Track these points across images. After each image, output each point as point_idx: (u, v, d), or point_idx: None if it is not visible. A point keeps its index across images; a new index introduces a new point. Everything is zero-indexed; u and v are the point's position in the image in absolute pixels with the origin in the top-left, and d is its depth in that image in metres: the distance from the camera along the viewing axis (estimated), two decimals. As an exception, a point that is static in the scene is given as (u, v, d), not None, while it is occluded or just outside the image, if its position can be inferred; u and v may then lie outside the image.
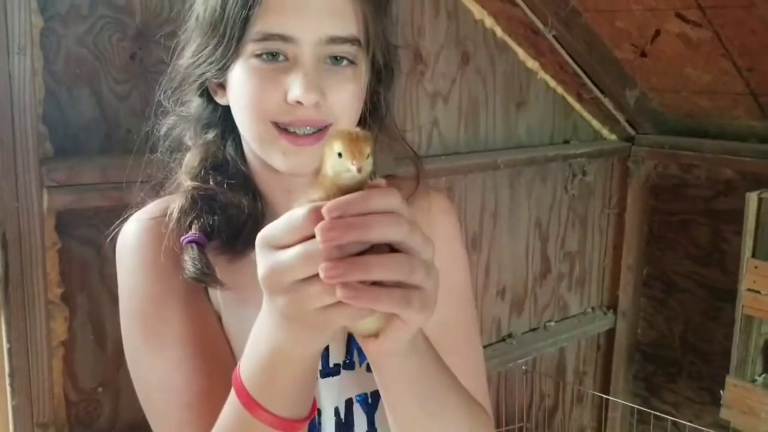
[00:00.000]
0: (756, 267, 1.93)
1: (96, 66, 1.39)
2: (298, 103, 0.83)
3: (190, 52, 0.92)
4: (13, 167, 1.25)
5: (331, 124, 0.86)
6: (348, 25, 0.85)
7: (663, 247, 2.49)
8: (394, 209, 0.56)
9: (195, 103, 0.98)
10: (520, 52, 2.19)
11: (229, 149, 0.97)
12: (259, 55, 0.84)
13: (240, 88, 0.87)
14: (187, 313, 0.90)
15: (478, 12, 2.05)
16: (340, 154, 0.55)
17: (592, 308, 2.62)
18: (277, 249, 0.58)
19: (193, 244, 0.89)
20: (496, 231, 2.23)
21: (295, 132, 0.85)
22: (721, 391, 2.03)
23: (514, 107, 2.23)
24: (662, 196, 2.47)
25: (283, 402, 0.68)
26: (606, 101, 2.33)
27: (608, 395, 2.56)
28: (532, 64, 2.22)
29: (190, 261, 0.87)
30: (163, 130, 1.00)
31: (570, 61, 2.16)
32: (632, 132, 2.48)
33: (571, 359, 2.59)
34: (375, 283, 0.56)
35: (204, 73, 0.90)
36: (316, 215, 0.55)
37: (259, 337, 0.67)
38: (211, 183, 0.94)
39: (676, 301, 2.47)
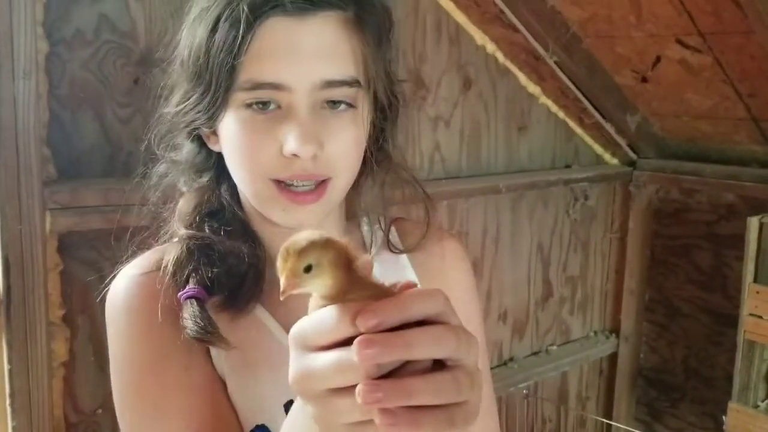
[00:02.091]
0: (758, 292, 1.92)
1: (100, 90, 1.41)
2: (295, 155, 0.77)
3: (177, 99, 0.85)
4: (16, 190, 1.26)
5: (331, 178, 0.81)
6: (345, 66, 0.79)
7: (665, 272, 2.49)
8: (438, 315, 0.51)
9: (186, 149, 0.91)
10: (522, 77, 2.20)
11: (225, 194, 0.90)
12: (249, 105, 0.78)
13: (232, 141, 0.81)
14: (189, 380, 0.81)
15: (479, 38, 2.07)
16: (307, 269, 0.51)
17: (595, 332, 2.61)
18: (309, 350, 0.52)
19: (193, 300, 0.81)
20: (497, 255, 2.23)
21: (295, 188, 0.80)
22: (724, 417, 2.01)
23: (516, 132, 2.24)
24: (664, 220, 2.47)
25: None
26: (607, 126, 2.34)
27: (611, 420, 2.54)
28: (533, 89, 2.24)
29: (190, 319, 0.79)
30: (155, 178, 0.93)
31: (571, 86, 2.18)
32: (634, 156, 2.49)
33: (573, 384, 2.58)
34: None
35: (193, 121, 0.83)
36: (349, 317, 0.49)
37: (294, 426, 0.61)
38: (207, 230, 0.86)
39: (679, 326, 2.46)
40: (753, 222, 1.94)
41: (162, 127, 0.89)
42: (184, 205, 0.90)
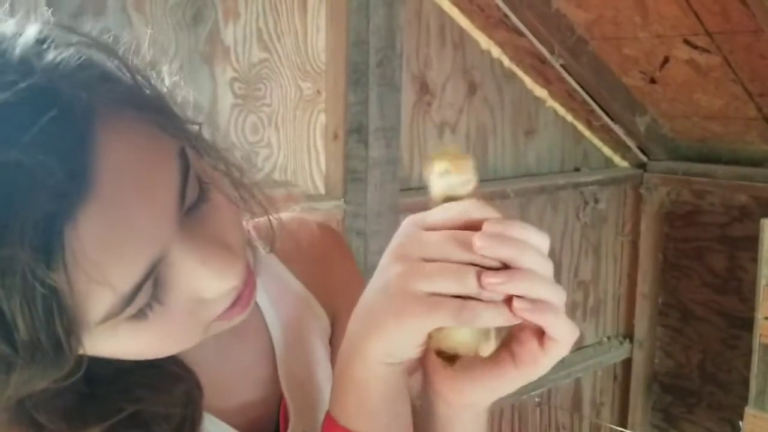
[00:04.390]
0: (773, 294, 1.89)
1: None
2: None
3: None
4: None
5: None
6: (175, 163, 0.51)
7: (678, 275, 2.46)
8: (543, 248, 0.52)
9: None
10: (528, 81, 2.18)
11: None
12: (133, 317, 0.50)
13: (128, 352, 0.55)
14: None
15: (484, 42, 2.05)
16: (447, 171, 0.53)
17: (608, 338, 2.58)
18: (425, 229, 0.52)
19: None
20: (507, 261, 2.20)
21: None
22: (740, 422, 1.98)
23: (523, 136, 2.22)
24: (676, 222, 2.44)
25: (378, 427, 0.57)
26: (616, 128, 2.32)
27: (626, 428, 2.51)
28: (540, 92, 2.22)
29: None
30: None
31: (578, 88, 2.16)
32: (644, 159, 2.46)
33: (587, 390, 2.54)
34: None
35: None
36: (477, 211, 0.51)
37: (346, 355, 0.57)
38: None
39: (693, 330, 2.43)
40: (767, 223, 1.91)
41: None
42: None
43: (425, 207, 0.59)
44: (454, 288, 0.49)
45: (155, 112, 0.51)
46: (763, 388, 1.95)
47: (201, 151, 0.57)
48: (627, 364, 2.60)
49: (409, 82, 1.88)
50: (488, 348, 0.54)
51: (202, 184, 0.54)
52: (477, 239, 0.49)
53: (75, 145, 0.44)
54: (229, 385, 0.70)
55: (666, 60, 1.98)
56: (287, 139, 1.67)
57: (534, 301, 0.50)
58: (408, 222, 0.54)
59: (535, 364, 0.53)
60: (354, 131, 1.69)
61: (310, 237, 0.83)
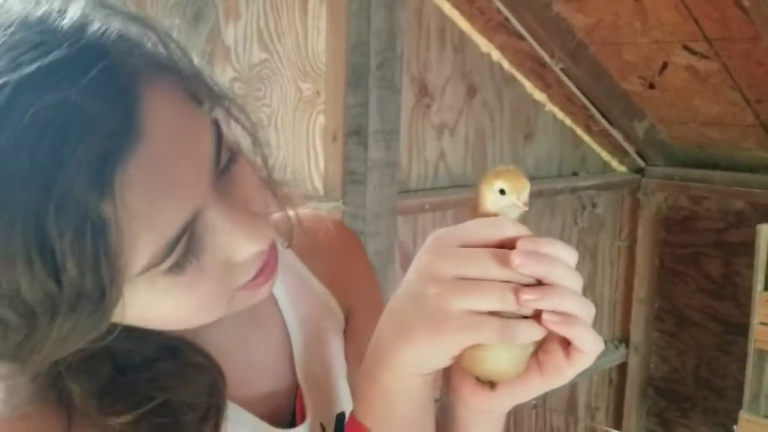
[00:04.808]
0: (768, 300, 1.90)
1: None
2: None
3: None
4: None
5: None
6: (209, 128, 0.54)
7: (674, 280, 2.47)
8: (572, 263, 0.54)
9: None
10: (528, 85, 2.19)
11: None
12: (169, 270, 0.53)
13: (160, 313, 0.56)
14: None
15: (484, 45, 2.05)
16: (502, 191, 0.55)
17: (604, 342, 2.58)
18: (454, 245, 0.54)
19: None
20: (504, 264, 2.21)
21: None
22: (734, 427, 1.99)
23: (522, 139, 2.22)
24: (673, 228, 2.45)
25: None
26: (615, 133, 2.32)
27: (621, 431, 2.51)
28: (539, 96, 2.22)
29: None
30: None
31: (578, 93, 2.16)
32: (642, 164, 2.47)
33: (582, 394, 2.55)
34: None
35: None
36: (511, 228, 0.54)
37: (374, 362, 0.58)
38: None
39: (689, 335, 2.44)
40: (763, 229, 1.92)
41: None
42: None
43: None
44: (495, 305, 0.51)
45: (190, 79, 0.55)
46: (758, 393, 1.96)
47: (234, 119, 0.62)
48: (622, 368, 2.61)
49: (409, 85, 1.89)
50: (524, 365, 0.56)
51: (232, 153, 0.57)
52: (516, 257, 0.51)
53: (123, 95, 0.47)
54: (248, 375, 0.72)
55: (665, 66, 1.99)
56: (286, 140, 1.67)
57: (563, 314, 0.52)
58: (436, 237, 0.55)
59: (560, 374, 0.55)
60: (353, 133, 1.70)
61: (326, 234, 0.85)
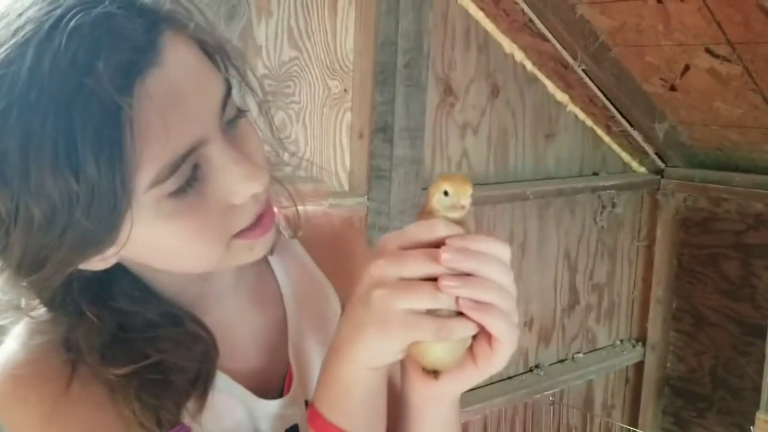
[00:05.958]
0: (786, 302, 1.92)
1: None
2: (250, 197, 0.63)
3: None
4: None
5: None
6: (220, 80, 0.62)
7: (692, 281, 2.48)
8: (505, 260, 0.58)
9: None
10: (550, 85, 2.21)
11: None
12: (173, 193, 0.58)
13: (163, 243, 0.62)
14: None
15: (508, 46, 2.08)
16: (446, 192, 0.58)
17: (621, 341, 2.61)
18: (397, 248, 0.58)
19: None
20: (524, 261, 2.24)
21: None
22: (751, 428, 2.00)
23: (543, 139, 2.25)
24: (692, 229, 2.47)
25: (357, 422, 0.64)
26: (635, 134, 2.34)
27: (637, 429, 2.53)
28: (561, 96, 2.25)
29: None
30: None
31: (599, 94, 2.18)
32: (662, 165, 2.49)
33: (599, 392, 2.57)
34: None
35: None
36: (445, 228, 0.57)
37: (333, 355, 0.63)
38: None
39: (706, 335, 2.45)
40: (782, 231, 1.93)
41: None
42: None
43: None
44: (429, 304, 0.56)
45: (208, 36, 0.64)
46: (775, 393, 1.97)
47: (246, 84, 0.70)
48: (639, 367, 2.62)
49: (434, 84, 1.92)
50: (461, 356, 0.61)
51: (240, 112, 0.65)
52: (443, 253, 0.55)
53: (151, 26, 0.56)
54: (243, 349, 0.77)
55: (687, 68, 2.00)
56: (314, 136, 1.71)
57: (479, 302, 0.56)
58: (385, 240, 0.60)
59: (489, 363, 0.59)
60: (379, 130, 1.73)
61: (332, 229, 0.91)
